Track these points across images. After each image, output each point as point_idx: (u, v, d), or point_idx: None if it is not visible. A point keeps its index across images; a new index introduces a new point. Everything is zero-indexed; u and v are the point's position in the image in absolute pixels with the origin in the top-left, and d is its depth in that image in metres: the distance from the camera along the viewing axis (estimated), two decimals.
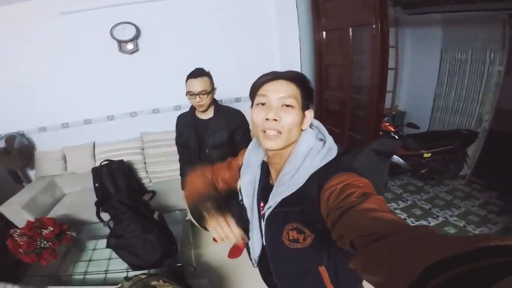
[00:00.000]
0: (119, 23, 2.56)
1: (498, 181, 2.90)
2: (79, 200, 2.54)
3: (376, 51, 2.10)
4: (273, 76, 0.72)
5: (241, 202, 0.90)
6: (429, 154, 2.82)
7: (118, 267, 1.66)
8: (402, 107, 4.07)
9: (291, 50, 2.90)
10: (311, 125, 0.77)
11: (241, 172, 0.89)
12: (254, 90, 0.74)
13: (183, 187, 1.98)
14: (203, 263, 2.17)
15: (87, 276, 1.67)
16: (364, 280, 0.80)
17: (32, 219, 1.78)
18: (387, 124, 2.92)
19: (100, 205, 2.12)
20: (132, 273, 1.29)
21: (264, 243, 0.86)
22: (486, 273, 0.23)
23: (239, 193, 0.91)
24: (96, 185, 2.41)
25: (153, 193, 2.40)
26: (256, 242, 0.88)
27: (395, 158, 2.67)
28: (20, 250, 1.56)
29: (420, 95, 3.78)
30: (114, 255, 1.65)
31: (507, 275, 0.21)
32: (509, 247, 0.25)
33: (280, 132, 0.69)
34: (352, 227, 0.51)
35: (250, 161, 0.87)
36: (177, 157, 1.97)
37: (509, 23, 2.70)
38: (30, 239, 1.58)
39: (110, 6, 2.54)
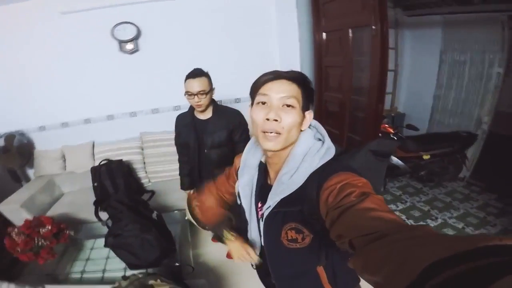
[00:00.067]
0: (119, 23, 2.56)
1: (497, 183, 2.90)
2: (77, 200, 2.54)
3: (376, 53, 2.10)
4: (275, 75, 0.71)
5: (240, 204, 0.91)
6: (428, 156, 2.82)
7: (116, 267, 1.66)
8: (402, 109, 4.07)
9: (291, 51, 2.90)
10: (309, 125, 0.77)
11: (238, 174, 0.89)
12: (255, 89, 0.74)
13: (182, 187, 1.99)
14: (201, 263, 2.17)
15: (85, 275, 1.67)
16: (361, 281, 0.81)
17: (30, 217, 1.77)
18: (386, 125, 2.93)
19: (99, 204, 2.11)
20: (129, 273, 1.28)
21: (263, 244, 0.86)
22: (485, 273, 0.23)
23: (237, 195, 0.91)
24: (95, 184, 2.41)
25: (152, 192, 2.40)
26: (255, 243, 0.88)
27: (394, 159, 2.67)
28: (17, 248, 1.55)
29: (420, 97, 3.78)
30: (112, 254, 1.65)
31: (506, 275, 0.21)
32: (508, 246, 0.25)
33: (280, 133, 0.69)
34: (351, 226, 0.51)
35: (247, 163, 0.86)
36: (176, 157, 1.97)
37: (509, 24, 2.70)
38: (27, 238, 1.58)
39: (111, 6, 2.54)
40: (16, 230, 1.61)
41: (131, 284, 1.13)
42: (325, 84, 2.98)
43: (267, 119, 0.68)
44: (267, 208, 0.75)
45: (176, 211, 2.28)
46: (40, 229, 1.65)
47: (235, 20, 2.81)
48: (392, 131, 2.87)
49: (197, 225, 1.89)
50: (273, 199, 0.73)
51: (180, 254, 1.79)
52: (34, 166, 2.78)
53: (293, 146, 0.73)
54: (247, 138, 1.72)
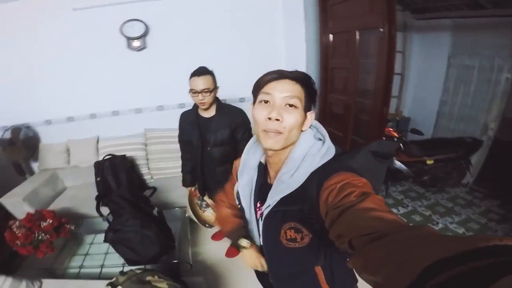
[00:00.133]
0: (129, 20, 2.58)
1: (501, 189, 2.87)
2: (80, 194, 2.56)
3: (382, 55, 2.08)
4: (279, 75, 0.71)
5: (239, 204, 0.91)
6: (432, 161, 2.79)
7: (114, 262, 1.66)
8: (407, 113, 4.03)
9: (297, 51, 2.89)
10: (310, 125, 0.77)
11: (238, 174, 0.89)
12: (258, 87, 0.73)
13: (184, 184, 2.00)
14: (200, 261, 2.17)
15: (82, 270, 1.68)
16: (359, 281, 0.80)
17: (32, 211, 1.79)
18: (390, 129, 2.90)
19: (101, 199, 2.12)
20: (127, 269, 1.28)
21: (262, 243, 0.85)
22: (485, 273, 0.23)
23: (237, 196, 0.91)
24: (98, 179, 2.42)
25: (154, 189, 2.40)
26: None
27: (398, 164, 2.64)
28: (17, 242, 1.56)
29: (426, 101, 3.74)
30: (111, 250, 1.66)
31: (506, 275, 0.21)
32: (508, 247, 0.25)
33: (281, 132, 0.69)
34: (351, 226, 0.50)
35: (247, 163, 0.86)
36: (179, 154, 1.98)
37: None
38: (28, 231, 1.59)
39: (121, 3, 2.56)
40: (17, 223, 1.62)
41: (129, 279, 1.13)
42: (330, 86, 2.97)
43: (269, 118, 0.68)
44: (267, 207, 0.75)
45: (177, 208, 2.29)
46: (41, 223, 1.66)
47: (242, 20, 2.81)
48: (396, 135, 2.84)
49: (198, 222, 1.90)
50: (273, 198, 0.73)
51: (179, 251, 1.79)
52: (39, 160, 2.81)
53: (294, 146, 0.73)
54: (249, 137, 1.71)
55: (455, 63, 3.31)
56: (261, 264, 0.90)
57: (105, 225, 1.74)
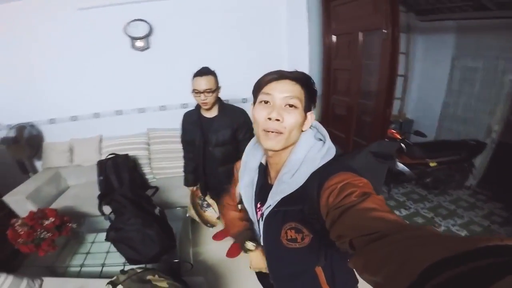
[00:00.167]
0: (133, 20, 2.60)
1: (504, 192, 2.85)
2: (82, 193, 2.56)
3: (385, 56, 2.08)
4: (279, 75, 0.71)
5: (241, 205, 0.91)
6: (435, 164, 2.77)
7: (115, 261, 1.66)
8: (410, 115, 4.02)
9: (300, 52, 2.89)
10: (310, 126, 0.77)
11: (239, 175, 0.90)
12: (259, 88, 0.74)
13: (186, 183, 2.00)
14: (201, 261, 2.17)
15: (83, 269, 1.68)
16: (359, 282, 0.79)
17: (35, 209, 1.80)
18: (393, 131, 2.89)
19: (103, 198, 2.13)
20: (128, 268, 1.29)
21: (262, 243, 0.85)
22: (485, 273, 0.23)
23: (238, 197, 0.91)
24: (101, 178, 2.42)
25: (156, 188, 2.40)
26: None
27: (400, 166, 2.63)
28: (19, 240, 1.57)
29: (429, 103, 3.72)
30: (112, 249, 1.66)
31: (506, 275, 0.21)
32: (509, 247, 0.25)
33: (281, 133, 0.69)
34: (352, 226, 0.50)
35: (248, 164, 0.87)
36: (182, 154, 1.99)
37: None
38: (30, 229, 1.59)
39: (126, 3, 2.58)
40: (19, 221, 1.63)
41: (129, 278, 1.13)
42: (333, 87, 2.97)
43: (269, 119, 0.68)
44: (267, 207, 0.75)
45: (178, 208, 2.29)
46: (43, 221, 1.66)
47: (245, 20, 2.82)
48: (399, 137, 2.83)
49: (200, 222, 1.90)
50: (273, 198, 0.73)
51: (180, 250, 1.79)
52: (42, 158, 2.82)
53: (294, 146, 0.73)
54: (250, 137, 1.71)
55: (459, 65, 3.29)
56: (266, 266, 0.91)
57: (107, 224, 1.75)
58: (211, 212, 2.01)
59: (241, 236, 0.98)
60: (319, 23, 2.86)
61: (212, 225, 1.99)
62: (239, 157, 0.93)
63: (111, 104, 2.89)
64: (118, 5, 2.57)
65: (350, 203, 0.54)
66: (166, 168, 2.80)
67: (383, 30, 2.06)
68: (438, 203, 2.94)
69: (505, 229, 2.48)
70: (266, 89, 0.71)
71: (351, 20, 2.50)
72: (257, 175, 0.85)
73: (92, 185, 2.51)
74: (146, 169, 2.80)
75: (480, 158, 3.00)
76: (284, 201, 0.71)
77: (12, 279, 1.34)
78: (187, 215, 2.02)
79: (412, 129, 3.50)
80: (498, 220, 2.61)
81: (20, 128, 2.64)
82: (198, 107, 1.75)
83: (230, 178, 1.08)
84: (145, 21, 2.62)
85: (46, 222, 1.67)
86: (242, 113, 1.76)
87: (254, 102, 0.75)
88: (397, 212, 2.80)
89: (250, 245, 0.95)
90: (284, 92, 0.69)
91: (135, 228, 1.58)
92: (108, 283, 1.13)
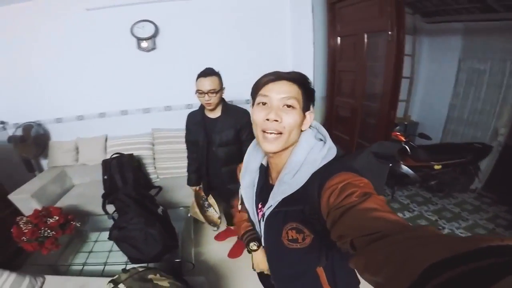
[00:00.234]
0: (139, 21, 2.62)
1: (510, 195, 2.80)
2: (87, 192, 2.59)
3: (390, 58, 2.07)
4: (276, 76, 0.71)
5: (241, 206, 0.91)
6: (440, 166, 2.74)
7: (118, 260, 1.67)
8: (416, 118, 3.98)
9: (304, 54, 2.88)
10: (310, 126, 0.77)
11: (240, 176, 0.90)
12: (256, 90, 0.74)
13: (189, 183, 2.01)
14: (202, 261, 2.18)
15: (86, 267, 1.69)
16: (361, 283, 0.79)
17: (40, 207, 1.81)
18: (398, 133, 2.86)
19: (107, 197, 2.14)
20: (130, 266, 1.29)
21: (263, 244, 0.85)
22: (486, 273, 0.22)
23: (240, 198, 0.91)
24: (105, 177, 2.44)
25: (160, 188, 2.41)
26: None
27: (404, 168, 2.60)
28: (23, 238, 1.58)
29: (435, 106, 3.68)
30: (115, 248, 1.67)
31: (507, 275, 0.21)
32: (510, 247, 0.25)
33: (281, 133, 0.69)
34: (353, 226, 0.50)
35: (249, 165, 0.87)
36: (185, 154, 2.00)
37: None
38: (34, 227, 1.61)
39: (132, 4, 2.60)
40: (24, 219, 1.65)
41: (131, 277, 1.13)
42: (337, 89, 2.96)
43: (267, 120, 0.68)
44: (268, 207, 0.75)
45: (181, 208, 2.30)
46: (48, 219, 1.68)
47: (250, 22, 2.83)
48: (404, 139, 2.80)
49: (203, 222, 1.90)
50: (274, 199, 0.73)
51: (182, 250, 1.79)
52: (48, 157, 2.86)
53: (295, 147, 0.73)
54: (253, 138, 1.73)
55: (465, 67, 3.26)
56: (267, 268, 0.91)
57: (110, 223, 1.76)
58: (212, 212, 2.02)
59: (245, 237, 0.99)
60: (324, 24, 2.86)
61: (215, 225, 1.99)
62: (242, 158, 0.93)
63: (117, 104, 2.92)
64: (124, 6, 2.60)
65: (351, 203, 0.54)
66: (170, 168, 2.81)
67: (388, 32, 2.05)
68: (442, 205, 2.91)
69: (510, 232, 2.46)
70: (263, 90, 0.71)
71: (356, 22, 2.49)
72: (257, 176, 0.85)
73: (97, 184, 2.54)
74: (150, 169, 2.81)
75: (486, 161, 2.95)
76: (285, 202, 0.71)
77: (14, 277, 1.36)
78: (189, 214, 2.02)
79: (417, 132, 3.47)
80: (503, 223, 2.58)
81: (27, 127, 2.67)
82: (202, 107, 1.76)
83: (233, 179, 1.08)
84: (152, 22, 2.65)
85: (51, 221, 1.68)
86: (246, 113, 1.76)
87: (253, 104, 0.76)
88: (401, 215, 2.77)
89: (252, 245, 0.95)
90: (281, 93, 0.69)
91: (138, 227, 1.59)
92: (109, 282, 1.13)
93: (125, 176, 2.41)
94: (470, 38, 3.17)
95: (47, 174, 2.70)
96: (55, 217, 1.72)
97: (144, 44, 2.69)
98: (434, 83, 3.67)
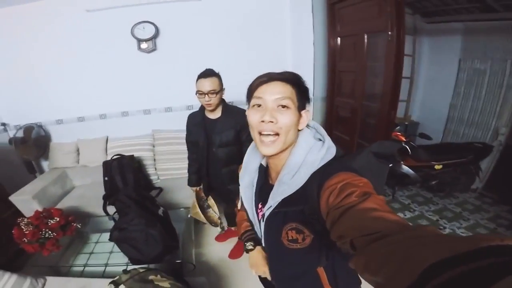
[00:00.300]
0: (139, 22, 2.63)
1: (511, 195, 2.80)
2: (87, 193, 2.59)
3: (390, 58, 2.07)
4: (268, 78, 0.72)
5: (241, 206, 0.91)
6: (440, 166, 2.73)
7: (118, 261, 1.67)
8: (416, 118, 3.98)
9: (305, 54, 2.89)
10: (308, 126, 0.77)
11: (239, 176, 0.90)
12: (250, 92, 0.75)
13: (189, 184, 2.01)
14: (203, 261, 2.18)
15: (87, 269, 1.70)
16: (362, 283, 0.79)
17: (40, 209, 1.81)
18: (398, 133, 2.85)
19: (108, 198, 2.15)
20: (131, 267, 1.29)
21: (263, 244, 0.85)
22: (486, 273, 0.22)
23: (240, 199, 0.91)
24: (106, 178, 2.45)
25: (160, 189, 2.42)
26: None
27: (405, 168, 2.60)
28: (24, 239, 1.58)
29: (435, 106, 3.68)
30: (116, 249, 1.67)
31: (507, 275, 0.21)
32: (510, 247, 0.25)
33: (278, 134, 0.69)
34: (353, 226, 0.50)
35: (248, 166, 0.87)
36: (186, 155, 2.00)
37: None
38: (35, 229, 1.61)
39: (133, 5, 2.61)
40: (25, 220, 1.65)
41: (131, 278, 1.13)
42: (337, 89, 2.96)
43: (263, 121, 0.69)
44: (268, 208, 0.75)
45: (182, 209, 2.30)
46: (49, 221, 1.68)
47: (250, 23, 2.83)
48: (404, 139, 2.80)
49: (205, 222, 1.90)
50: (274, 199, 0.73)
51: (183, 251, 1.79)
52: (49, 158, 2.87)
53: (294, 147, 0.73)
54: None
55: (466, 67, 3.25)
56: (264, 271, 0.91)
57: (111, 224, 1.76)
58: (211, 213, 2.02)
59: (243, 237, 0.99)
60: (324, 25, 2.86)
61: (216, 225, 1.99)
62: (242, 159, 0.93)
63: (117, 106, 2.93)
64: (125, 7, 2.61)
65: (350, 203, 0.54)
66: (170, 169, 2.82)
67: (388, 32, 2.05)
68: (443, 205, 2.91)
69: (511, 232, 2.45)
70: (257, 92, 0.72)
71: (356, 22, 2.49)
72: (257, 176, 0.85)
73: (98, 185, 2.54)
74: (151, 170, 2.81)
75: (487, 161, 2.95)
76: (285, 202, 0.71)
77: (16, 278, 1.36)
78: (189, 215, 2.02)
79: (417, 132, 3.47)
80: (505, 223, 2.57)
81: (28, 128, 2.68)
82: (202, 108, 1.76)
83: (233, 179, 1.08)
84: (152, 23, 2.65)
85: (51, 222, 1.69)
86: (245, 114, 1.76)
87: (248, 107, 0.76)
88: (401, 215, 2.77)
89: (248, 245, 0.96)
90: (275, 94, 0.69)
91: (138, 228, 1.59)
92: (110, 283, 1.13)
93: (125, 177, 2.41)
94: (470, 38, 3.17)
95: (48, 175, 2.70)
96: (56, 218, 1.72)
97: (144, 45, 2.69)
98: (435, 83, 3.67)
